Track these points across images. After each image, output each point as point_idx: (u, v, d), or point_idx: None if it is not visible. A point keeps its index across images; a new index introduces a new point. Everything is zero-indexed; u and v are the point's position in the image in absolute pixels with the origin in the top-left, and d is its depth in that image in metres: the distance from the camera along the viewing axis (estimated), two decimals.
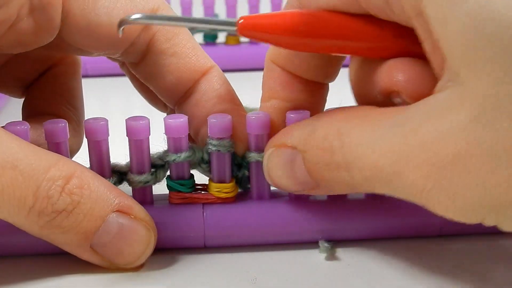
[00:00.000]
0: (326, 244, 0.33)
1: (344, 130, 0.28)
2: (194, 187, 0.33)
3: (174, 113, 0.36)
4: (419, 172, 0.26)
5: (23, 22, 0.31)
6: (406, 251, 0.33)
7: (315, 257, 0.33)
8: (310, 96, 0.33)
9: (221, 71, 0.35)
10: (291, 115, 0.32)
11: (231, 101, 0.34)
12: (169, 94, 0.35)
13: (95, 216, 0.30)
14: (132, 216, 0.31)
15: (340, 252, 0.33)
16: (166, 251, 0.33)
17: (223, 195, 0.33)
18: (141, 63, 0.35)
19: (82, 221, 0.30)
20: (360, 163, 0.28)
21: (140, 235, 0.31)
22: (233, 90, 0.35)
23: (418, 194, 0.26)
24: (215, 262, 0.32)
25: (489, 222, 0.26)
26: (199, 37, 0.63)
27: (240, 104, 0.34)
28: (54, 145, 0.32)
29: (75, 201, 0.30)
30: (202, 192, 0.33)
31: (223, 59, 0.37)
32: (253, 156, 0.32)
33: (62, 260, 0.32)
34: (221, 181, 0.33)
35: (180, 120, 0.32)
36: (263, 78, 0.33)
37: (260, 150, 0.32)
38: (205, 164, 0.33)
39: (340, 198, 0.33)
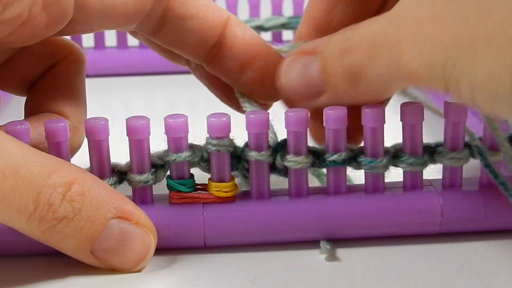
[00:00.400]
0: (327, 246, 0.33)
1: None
2: (194, 186, 0.33)
3: (199, 68, 0.38)
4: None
5: (36, 18, 0.31)
6: (407, 251, 0.33)
7: (316, 257, 0.33)
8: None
9: (236, 17, 0.36)
10: (289, 113, 0.32)
11: (259, 44, 0.35)
12: (196, 53, 0.36)
13: (96, 223, 0.30)
14: (133, 222, 0.31)
15: (341, 252, 0.33)
16: (166, 251, 0.33)
17: (222, 195, 0.33)
18: (160, 31, 0.35)
19: (83, 227, 0.30)
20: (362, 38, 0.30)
21: (141, 240, 0.31)
22: (255, 32, 0.36)
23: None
24: (215, 261, 0.32)
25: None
26: None
27: (266, 43, 0.36)
28: (54, 145, 0.32)
29: (76, 208, 0.30)
30: (202, 191, 0.33)
31: None
32: (253, 155, 0.32)
33: (62, 261, 0.32)
34: (220, 181, 0.33)
35: (180, 120, 0.32)
36: None
37: (260, 149, 0.32)
38: (204, 163, 0.33)
39: (340, 196, 0.33)
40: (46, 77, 0.38)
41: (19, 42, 0.32)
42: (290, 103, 0.34)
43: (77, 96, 0.37)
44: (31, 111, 0.36)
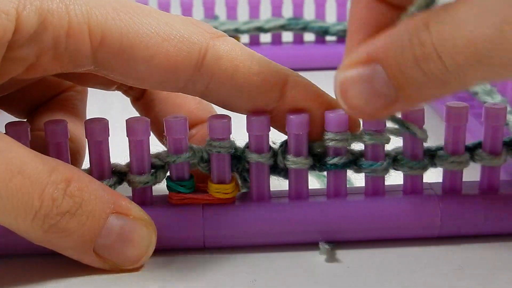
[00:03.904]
0: (326, 246, 0.33)
1: (431, 19, 0.27)
2: (194, 187, 0.33)
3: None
4: None
5: (46, 64, 0.30)
6: (406, 253, 0.33)
7: (315, 258, 0.33)
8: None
9: (297, 77, 0.33)
10: (290, 117, 0.32)
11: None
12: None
13: (97, 217, 0.30)
14: (131, 216, 0.31)
15: (340, 253, 0.33)
16: (166, 251, 0.33)
17: (222, 196, 0.33)
18: (206, 96, 0.32)
19: (85, 222, 0.30)
20: (453, 45, 0.26)
21: (141, 234, 0.31)
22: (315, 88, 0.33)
23: None
24: (215, 263, 0.32)
25: None
26: None
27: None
28: (54, 145, 0.32)
29: (77, 203, 0.30)
30: (202, 192, 0.33)
31: None
32: (253, 157, 0.32)
33: (61, 261, 0.32)
34: (220, 182, 0.33)
35: (180, 120, 0.32)
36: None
37: (260, 150, 0.32)
38: (204, 164, 0.33)
39: (340, 199, 0.33)
40: (52, 102, 0.38)
41: (31, 78, 0.31)
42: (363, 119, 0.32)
43: (80, 121, 0.37)
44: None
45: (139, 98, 0.38)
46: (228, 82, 0.31)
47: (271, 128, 0.32)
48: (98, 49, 0.30)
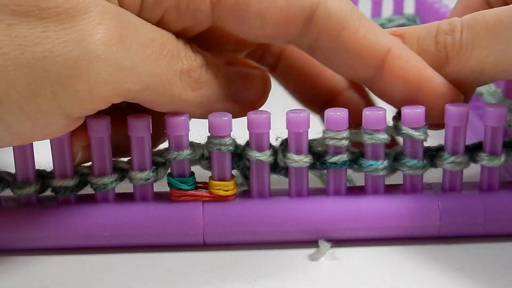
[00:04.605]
0: (325, 244, 0.33)
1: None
2: (194, 184, 0.33)
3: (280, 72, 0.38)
4: None
5: (170, 23, 0.31)
6: (406, 252, 0.33)
7: (315, 257, 0.33)
8: None
9: (401, 46, 0.33)
10: (291, 114, 0.32)
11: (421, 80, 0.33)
12: (351, 78, 0.35)
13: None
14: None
15: (340, 252, 0.33)
16: (165, 248, 0.33)
17: (223, 193, 0.33)
18: (312, 52, 0.33)
19: (216, 72, 0.33)
20: (482, 19, 0.31)
21: (255, 73, 0.34)
22: (419, 60, 0.33)
23: None
24: (214, 260, 0.33)
25: None
26: None
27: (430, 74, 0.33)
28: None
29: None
30: (203, 189, 0.33)
31: None
32: (253, 154, 0.33)
33: (61, 261, 0.32)
34: (221, 179, 0.33)
35: (181, 118, 0.32)
36: None
37: (261, 149, 0.32)
38: (205, 161, 0.33)
39: (340, 197, 0.34)
40: None
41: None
42: None
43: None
44: None
45: (274, 67, 0.38)
46: (333, 40, 0.32)
47: (271, 126, 0.33)
48: (216, 5, 0.31)
